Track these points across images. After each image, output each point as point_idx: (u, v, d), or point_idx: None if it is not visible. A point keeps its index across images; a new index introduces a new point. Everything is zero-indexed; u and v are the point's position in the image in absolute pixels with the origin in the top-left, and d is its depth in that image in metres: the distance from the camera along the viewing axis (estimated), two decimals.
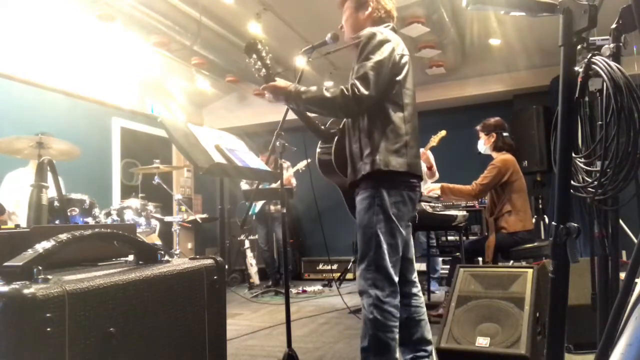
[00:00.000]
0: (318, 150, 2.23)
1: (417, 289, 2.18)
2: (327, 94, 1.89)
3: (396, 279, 1.92)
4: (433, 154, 4.54)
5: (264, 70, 2.04)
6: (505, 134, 3.74)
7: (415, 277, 2.19)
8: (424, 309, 2.18)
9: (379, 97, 1.90)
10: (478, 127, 3.85)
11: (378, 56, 1.89)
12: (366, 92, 1.84)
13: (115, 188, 5.89)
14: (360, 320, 3.81)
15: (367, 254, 1.92)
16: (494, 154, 3.72)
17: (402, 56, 1.99)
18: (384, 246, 1.89)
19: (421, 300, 2.18)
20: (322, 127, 2.27)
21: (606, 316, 1.43)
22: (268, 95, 2.03)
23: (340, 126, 2.20)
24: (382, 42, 1.92)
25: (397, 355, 1.90)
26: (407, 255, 2.14)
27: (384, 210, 1.90)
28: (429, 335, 2.15)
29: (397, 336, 1.90)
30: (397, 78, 1.97)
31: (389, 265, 1.89)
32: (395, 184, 1.93)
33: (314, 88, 1.94)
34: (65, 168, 3.75)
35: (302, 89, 1.96)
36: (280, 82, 2.02)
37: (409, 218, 2.04)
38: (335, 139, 2.15)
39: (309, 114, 2.10)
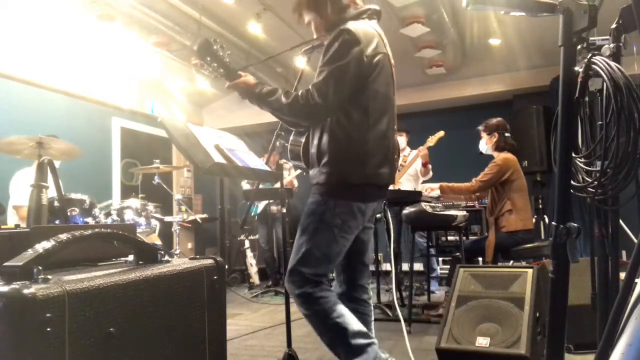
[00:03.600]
0: (290, 140, 2.09)
1: (367, 296, 2.04)
2: (284, 100, 1.78)
3: (321, 277, 1.83)
4: (431, 154, 4.56)
5: (222, 70, 1.87)
6: (507, 134, 3.75)
7: (367, 282, 2.06)
8: (372, 318, 2.04)
9: (339, 105, 1.77)
10: (480, 127, 3.85)
11: (341, 60, 1.73)
12: (320, 102, 1.72)
13: (115, 188, 5.89)
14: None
15: (293, 258, 1.83)
16: (496, 154, 3.73)
17: (373, 56, 1.79)
18: (311, 255, 1.80)
19: (369, 308, 2.04)
20: None
21: (606, 316, 1.43)
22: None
23: None
24: (349, 44, 1.74)
25: (353, 325, 1.78)
26: (363, 260, 2.02)
27: (325, 220, 1.79)
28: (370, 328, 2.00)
29: (341, 310, 1.79)
30: (367, 80, 1.79)
31: (310, 272, 1.80)
32: (346, 194, 1.81)
33: (276, 91, 1.82)
34: (65, 168, 3.75)
35: (265, 90, 1.83)
36: (246, 79, 1.89)
37: (357, 230, 1.90)
38: (307, 134, 2.01)
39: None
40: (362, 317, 1.95)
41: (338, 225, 1.80)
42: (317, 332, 1.82)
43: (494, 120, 3.79)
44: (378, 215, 2.85)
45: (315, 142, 1.86)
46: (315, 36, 2.00)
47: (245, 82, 1.90)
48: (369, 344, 1.77)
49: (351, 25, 1.79)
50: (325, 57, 1.77)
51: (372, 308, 2.08)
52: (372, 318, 2.05)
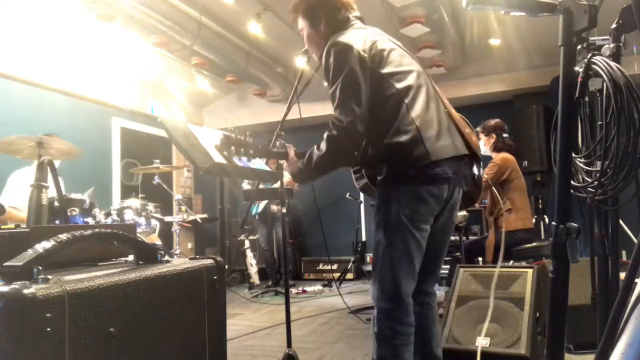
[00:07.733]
0: (353, 177, 2.01)
1: (430, 299, 1.92)
2: (320, 151, 1.71)
3: (405, 292, 1.70)
4: None
5: (251, 151, 1.84)
6: (505, 135, 3.76)
7: (431, 288, 1.94)
8: (437, 320, 1.94)
9: (367, 109, 1.68)
10: (478, 129, 3.85)
11: (343, 71, 1.67)
12: (349, 119, 1.63)
13: (115, 188, 5.88)
14: (360, 320, 3.83)
15: (375, 264, 1.74)
16: (494, 155, 3.74)
17: (371, 48, 1.72)
18: (389, 256, 1.69)
19: (434, 310, 1.93)
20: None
21: (606, 316, 1.43)
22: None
23: None
24: (341, 52, 1.70)
25: None
26: (431, 267, 1.88)
27: (391, 213, 1.68)
28: (437, 350, 1.90)
29: (405, 355, 1.68)
30: (381, 70, 1.71)
31: (395, 277, 1.68)
32: (410, 178, 1.68)
33: (312, 153, 1.75)
34: (65, 168, 3.75)
35: (305, 161, 1.77)
36: (289, 167, 1.88)
37: (432, 216, 1.74)
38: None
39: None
40: (426, 318, 1.88)
41: (408, 216, 1.66)
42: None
43: (492, 122, 3.80)
44: None
45: (364, 152, 1.77)
46: (305, 46, 1.99)
47: (290, 172, 1.88)
48: None
49: (336, 37, 1.77)
50: (329, 79, 1.72)
51: (437, 312, 1.98)
52: (437, 321, 1.96)
